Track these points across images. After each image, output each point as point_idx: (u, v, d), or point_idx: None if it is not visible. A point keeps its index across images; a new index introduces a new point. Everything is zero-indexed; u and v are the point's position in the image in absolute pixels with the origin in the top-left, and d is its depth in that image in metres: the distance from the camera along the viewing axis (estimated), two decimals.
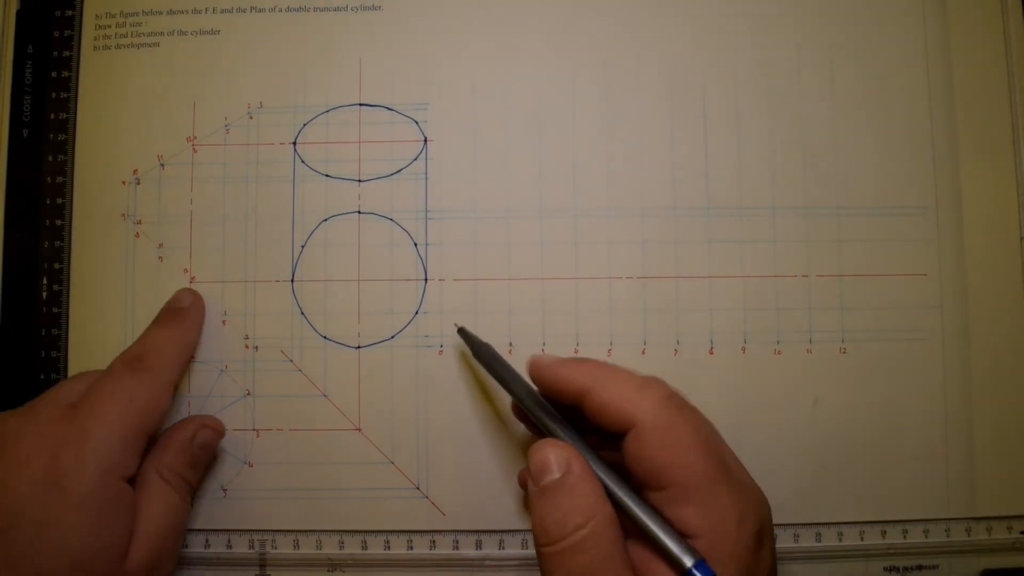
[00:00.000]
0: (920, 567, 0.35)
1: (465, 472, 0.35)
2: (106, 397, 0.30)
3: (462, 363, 0.35)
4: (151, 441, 0.32)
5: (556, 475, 0.26)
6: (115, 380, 0.31)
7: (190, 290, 0.36)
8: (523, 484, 0.33)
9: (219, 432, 0.35)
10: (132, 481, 0.31)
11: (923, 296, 0.36)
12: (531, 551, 0.35)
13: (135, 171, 0.37)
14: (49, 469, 0.28)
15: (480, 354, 0.32)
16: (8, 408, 0.35)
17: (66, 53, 0.37)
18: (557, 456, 0.27)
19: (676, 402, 0.27)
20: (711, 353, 0.35)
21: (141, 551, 0.30)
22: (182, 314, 0.35)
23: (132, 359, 0.32)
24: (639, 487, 0.27)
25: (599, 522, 0.25)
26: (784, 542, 0.35)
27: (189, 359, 0.35)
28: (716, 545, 0.25)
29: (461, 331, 0.34)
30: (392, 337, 0.36)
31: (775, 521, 0.34)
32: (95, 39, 0.37)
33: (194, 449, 0.33)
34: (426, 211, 0.36)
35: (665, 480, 0.26)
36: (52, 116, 0.37)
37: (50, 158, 0.37)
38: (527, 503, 0.34)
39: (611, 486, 0.27)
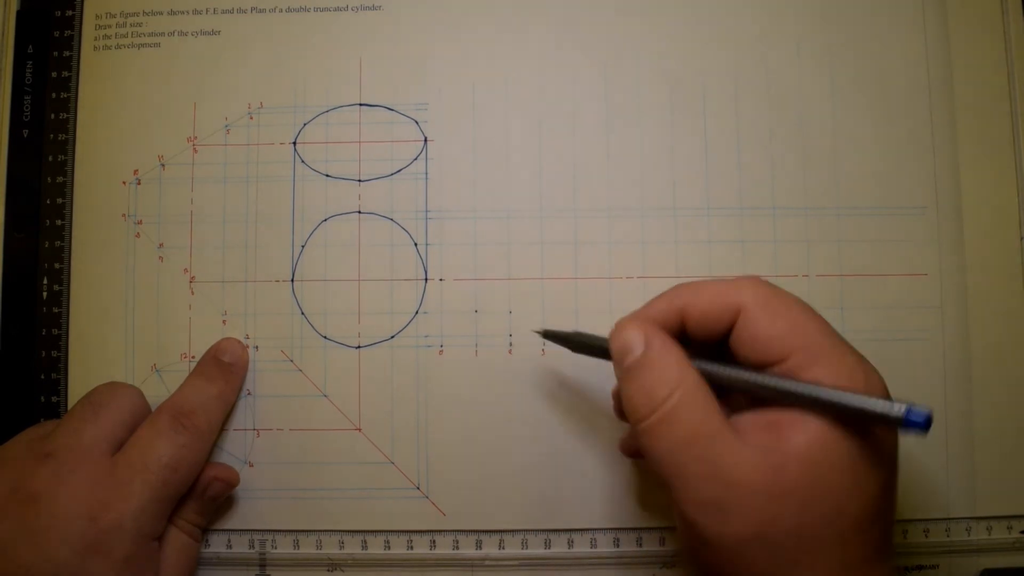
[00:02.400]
0: (920, 567, 0.35)
1: (465, 472, 0.35)
2: (151, 459, 0.30)
3: (462, 363, 0.35)
4: None
5: (637, 353, 0.26)
6: (161, 439, 0.31)
7: (236, 341, 0.35)
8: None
9: (231, 483, 0.34)
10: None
11: (923, 296, 0.36)
12: (531, 551, 0.35)
13: (135, 171, 0.37)
14: (88, 532, 0.28)
15: (573, 342, 0.31)
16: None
17: (66, 53, 0.37)
18: (635, 335, 0.26)
19: (773, 285, 0.27)
20: None
21: None
22: (230, 371, 0.34)
23: (181, 415, 0.32)
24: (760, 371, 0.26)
25: (687, 388, 0.25)
26: None
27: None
28: None
29: (546, 333, 0.32)
30: (392, 337, 0.36)
31: None
32: (95, 39, 0.37)
33: (205, 499, 0.33)
34: (426, 211, 0.36)
35: (788, 347, 0.25)
36: (52, 116, 0.37)
37: (50, 158, 0.37)
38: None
39: (746, 373, 0.26)
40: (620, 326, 0.27)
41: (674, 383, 0.25)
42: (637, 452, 0.33)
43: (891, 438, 0.25)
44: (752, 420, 0.25)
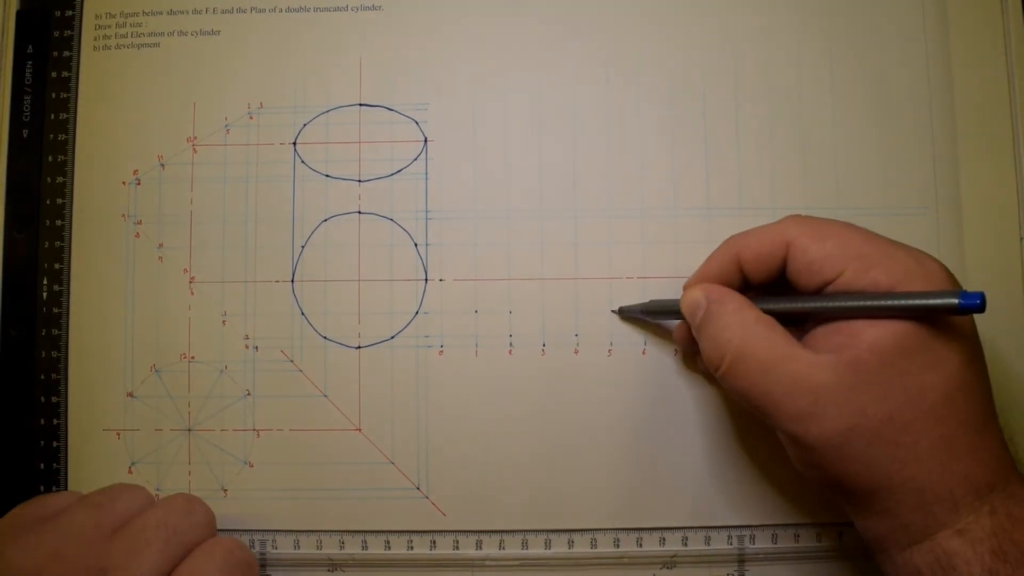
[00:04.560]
0: None
1: (465, 472, 0.35)
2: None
3: (462, 363, 0.35)
4: None
5: (703, 309, 0.29)
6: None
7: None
8: (681, 341, 0.34)
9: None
10: None
11: None
12: (531, 551, 0.35)
13: (135, 171, 0.37)
14: None
15: (650, 311, 0.34)
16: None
17: (66, 53, 0.37)
18: (697, 293, 0.30)
19: (812, 216, 0.29)
20: None
21: None
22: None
23: None
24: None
25: (749, 326, 0.28)
26: (785, 542, 0.35)
27: None
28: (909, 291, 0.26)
29: (622, 310, 0.35)
30: (392, 337, 0.36)
31: (775, 521, 0.35)
32: (95, 39, 0.37)
33: None
34: (426, 211, 0.36)
35: (842, 262, 0.27)
36: (52, 116, 0.37)
37: (50, 158, 0.37)
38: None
39: (805, 300, 0.28)
40: (685, 288, 0.32)
41: (735, 325, 0.28)
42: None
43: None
44: (822, 332, 0.28)
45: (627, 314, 0.35)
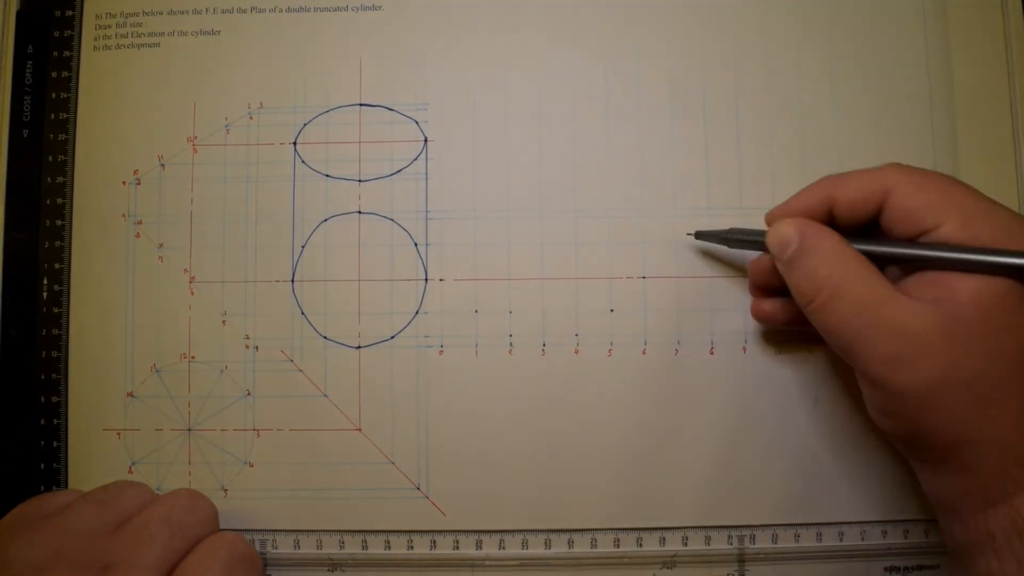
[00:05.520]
0: (921, 567, 0.35)
1: (465, 472, 0.35)
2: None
3: (462, 363, 0.35)
4: None
5: (795, 244, 0.29)
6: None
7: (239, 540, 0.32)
8: (758, 284, 0.34)
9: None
10: None
11: None
12: (531, 551, 0.35)
13: (135, 171, 0.37)
14: None
15: (730, 239, 0.33)
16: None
17: (66, 53, 0.37)
18: (788, 229, 0.29)
19: (913, 166, 0.29)
20: (711, 353, 0.35)
21: None
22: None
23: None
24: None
25: (848, 264, 0.27)
26: (785, 542, 0.35)
27: None
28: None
29: (699, 234, 0.35)
30: (392, 337, 0.36)
31: (775, 521, 0.35)
32: (95, 39, 0.37)
33: None
34: (426, 211, 0.36)
35: (943, 213, 0.27)
36: (52, 116, 0.37)
37: (50, 158, 0.37)
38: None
39: (906, 247, 0.28)
40: (775, 223, 0.30)
41: (834, 262, 0.27)
42: (770, 316, 0.34)
43: None
44: (917, 281, 0.27)
45: (704, 239, 0.35)
